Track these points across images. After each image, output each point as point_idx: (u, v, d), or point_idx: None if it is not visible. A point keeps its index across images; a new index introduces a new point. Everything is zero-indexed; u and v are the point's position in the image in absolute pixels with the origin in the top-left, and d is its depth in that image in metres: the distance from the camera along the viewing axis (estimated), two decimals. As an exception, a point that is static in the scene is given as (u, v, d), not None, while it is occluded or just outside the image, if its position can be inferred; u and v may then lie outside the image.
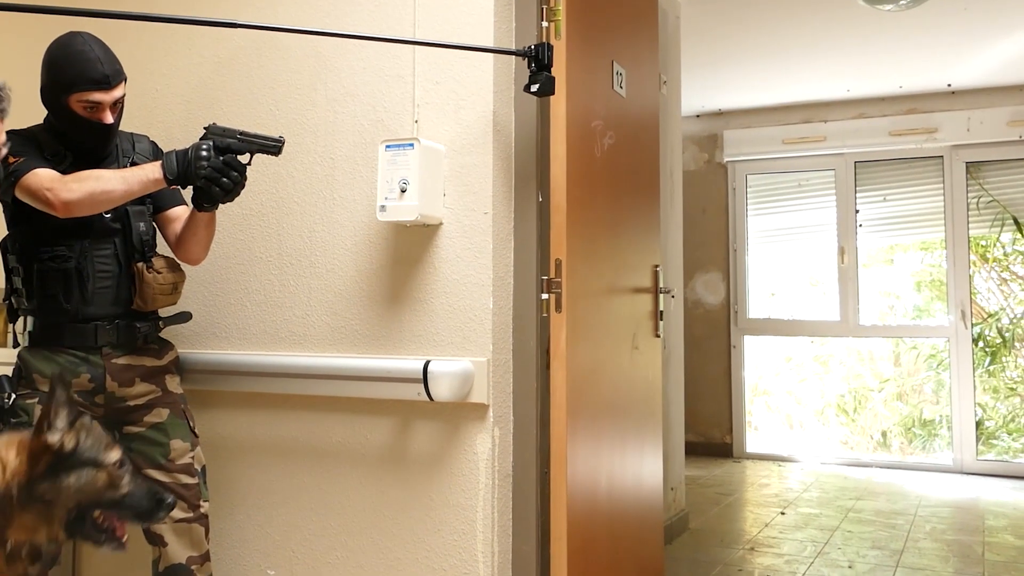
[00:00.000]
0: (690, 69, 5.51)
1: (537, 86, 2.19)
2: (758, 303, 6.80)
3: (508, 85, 2.44)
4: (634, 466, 2.82)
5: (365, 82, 2.57)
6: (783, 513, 4.74)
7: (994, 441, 6.38)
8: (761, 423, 7.32)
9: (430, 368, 2.33)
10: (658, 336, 3.05)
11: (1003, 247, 6.40)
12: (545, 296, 2.37)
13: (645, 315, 2.97)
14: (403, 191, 2.33)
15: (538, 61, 2.19)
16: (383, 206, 2.36)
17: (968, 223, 6.02)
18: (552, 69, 2.22)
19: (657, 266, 3.06)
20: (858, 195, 6.32)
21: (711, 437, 6.64)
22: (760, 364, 7.31)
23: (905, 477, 5.78)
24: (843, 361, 7.36)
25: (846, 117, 6.29)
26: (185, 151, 2.22)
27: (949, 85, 5.86)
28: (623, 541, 2.71)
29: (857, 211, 6.32)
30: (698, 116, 6.80)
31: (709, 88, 6.10)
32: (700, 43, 5.12)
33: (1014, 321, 6.30)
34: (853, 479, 5.71)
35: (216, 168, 2.20)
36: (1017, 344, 6.33)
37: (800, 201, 6.59)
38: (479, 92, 2.40)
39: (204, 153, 2.20)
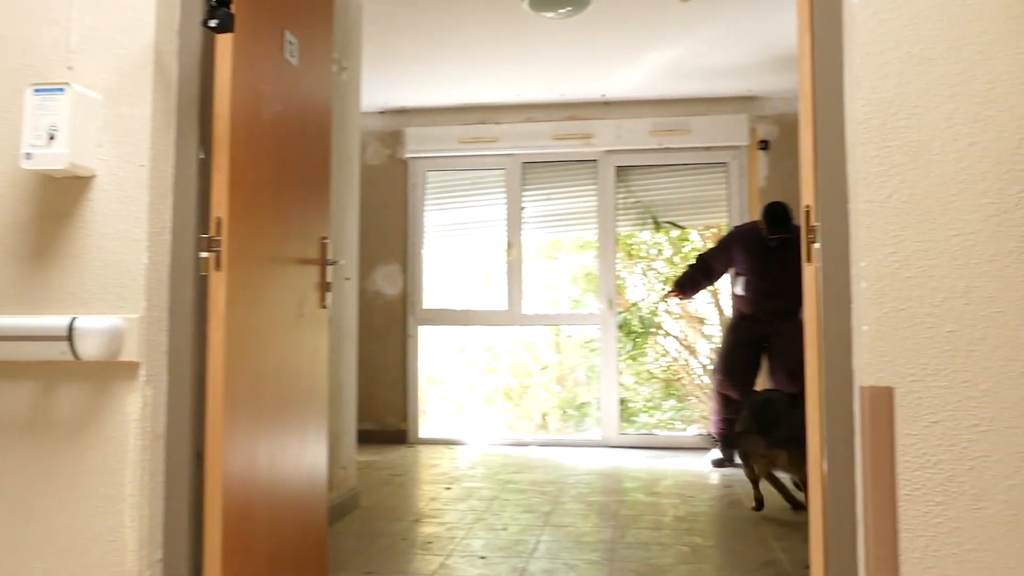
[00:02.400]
0: (375, 65, 5.66)
1: (216, 21, 2.17)
2: (434, 295, 7.09)
3: (171, 36, 2.39)
4: (298, 430, 2.87)
5: (17, 26, 2.39)
6: (449, 488, 5.00)
7: (635, 419, 7.17)
8: (435, 410, 7.63)
9: (76, 325, 2.22)
10: (324, 307, 3.12)
11: (645, 244, 7.23)
12: (204, 254, 2.36)
13: (312, 285, 3.03)
14: (52, 138, 2.21)
15: None
16: (29, 153, 2.22)
17: (616, 221, 6.72)
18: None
19: (325, 238, 3.13)
20: (524, 193, 6.83)
21: (387, 424, 6.82)
22: (435, 355, 7.62)
23: (560, 453, 6.33)
24: (510, 350, 7.89)
25: (516, 120, 6.77)
26: None
27: (603, 95, 6.51)
28: (285, 503, 2.75)
29: (523, 208, 6.81)
30: (382, 113, 6.96)
31: (393, 85, 6.28)
32: (384, 40, 5.27)
33: (652, 311, 7.14)
34: (514, 457, 6.15)
35: None
36: (654, 331, 7.18)
37: (474, 198, 6.98)
38: (140, 41, 2.33)
39: None
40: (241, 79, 2.41)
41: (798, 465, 4.05)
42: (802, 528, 3.98)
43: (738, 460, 5.06)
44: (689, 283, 5.81)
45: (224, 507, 2.35)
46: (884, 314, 1.96)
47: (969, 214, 1.94)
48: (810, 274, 2.22)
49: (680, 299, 6.07)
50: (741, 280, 5.66)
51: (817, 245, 2.16)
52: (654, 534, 3.92)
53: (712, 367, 6.04)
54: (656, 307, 7.18)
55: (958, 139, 1.95)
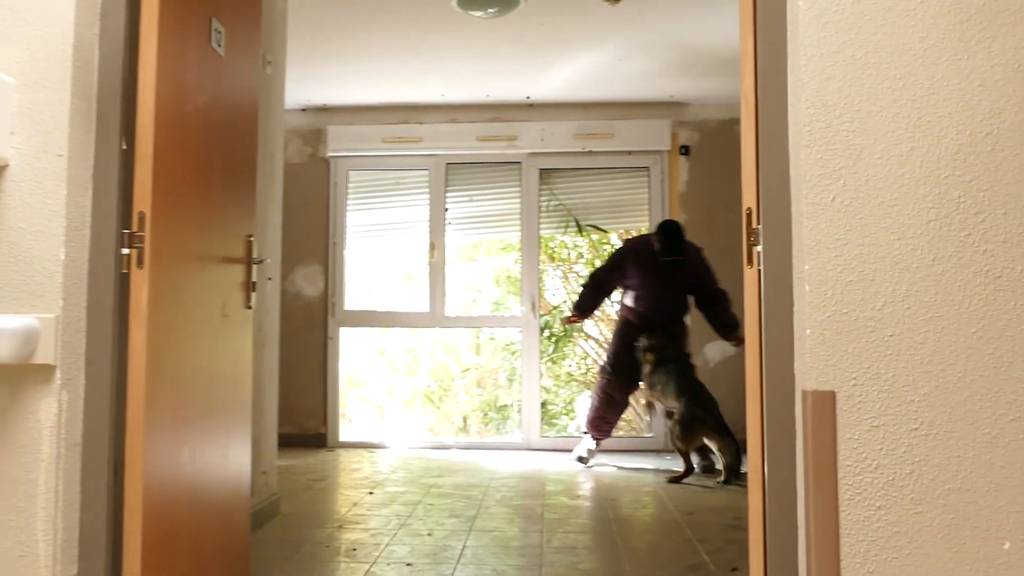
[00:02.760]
0: (298, 62, 5.51)
1: None
2: (355, 296, 6.96)
3: (93, 18, 2.25)
4: (222, 436, 2.74)
5: (-89, -2, 2.22)
6: (371, 493, 4.89)
7: (556, 421, 7.17)
8: (356, 414, 7.49)
9: (-16, 325, 2.07)
10: (250, 307, 3.00)
11: (567, 247, 7.25)
12: (126, 250, 2.24)
13: (236, 285, 2.91)
14: (-44, 124, 2.05)
15: None
16: (-71, 139, 2.06)
17: (539, 224, 6.71)
18: (143, 8, 2.10)
19: (251, 236, 3.01)
20: (448, 194, 6.75)
21: (307, 428, 6.67)
22: (356, 358, 7.49)
23: (481, 456, 6.28)
24: (431, 352, 7.81)
25: (440, 120, 6.69)
26: None
27: (528, 97, 6.49)
28: (208, 513, 2.62)
29: (446, 209, 6.74)
30: (304, 110, 6.80)
31: (316, 83, 6.13)
32: (308, 37, 5.14)
33: (574, 314, 7.16)
34: (436, 460, 6.07)
35: None
36: (575, 334, 7.20)
37: (397, 198, 6.87)
38: (58, 23, 2.19)
39: None
40: (167, 66, 2.29)
41: (727, 444, 5.25)
42: (725, 531, 4.02)
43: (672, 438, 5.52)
44: (588, 303, 5.86)
45: (144, 518, 2.23)
46: (827, 318, 1.97)
47: (910, 218, 1.96)
48: (751, 277, 2.22)
49: (580, 321, 6.13)
50: (631, 294, 5.73)
51: (759, 248, 2.17)
52: (580, 538, 3.90)
53: (601, 367, 6.09)
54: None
55: (900, 143, 1.97)
